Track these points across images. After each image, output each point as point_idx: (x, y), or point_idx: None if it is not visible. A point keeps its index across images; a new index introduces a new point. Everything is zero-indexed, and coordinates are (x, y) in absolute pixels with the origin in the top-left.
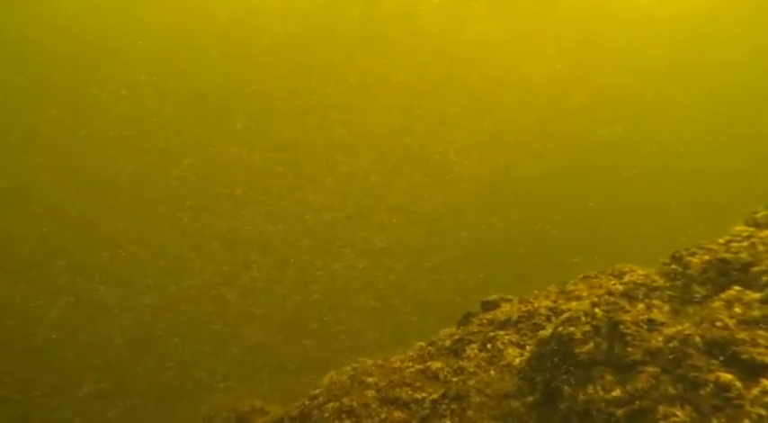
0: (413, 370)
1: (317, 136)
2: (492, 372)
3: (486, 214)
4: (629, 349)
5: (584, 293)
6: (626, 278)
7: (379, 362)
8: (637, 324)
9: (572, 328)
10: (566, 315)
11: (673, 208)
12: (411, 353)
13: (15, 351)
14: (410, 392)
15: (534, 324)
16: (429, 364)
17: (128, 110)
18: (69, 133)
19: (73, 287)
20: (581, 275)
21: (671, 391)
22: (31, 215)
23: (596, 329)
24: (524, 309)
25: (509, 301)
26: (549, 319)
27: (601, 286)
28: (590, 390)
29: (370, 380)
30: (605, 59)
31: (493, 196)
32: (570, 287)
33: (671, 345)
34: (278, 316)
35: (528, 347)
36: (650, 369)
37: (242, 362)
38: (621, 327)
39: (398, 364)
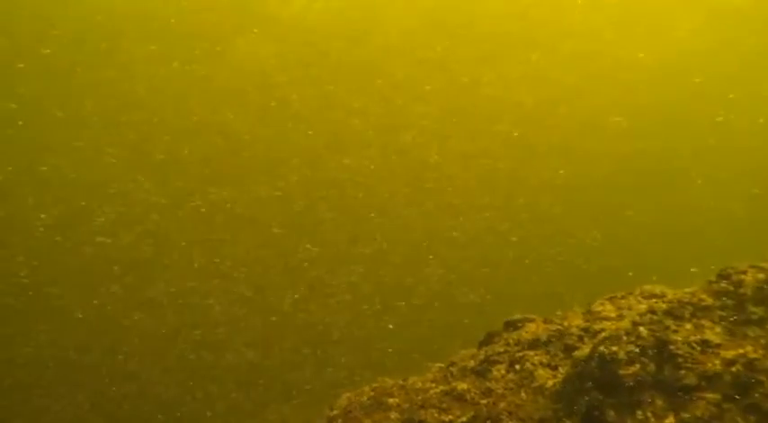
0: (437, 391)
1: None
2: (523, 394)
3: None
4: (682, 372)
5: (613, 314)
6: (669, 296)
7: (400, 382)
8: (689, 345)
9: (614, 348)
10: (604, 334)
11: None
12: (430, 374)
13: None
14: (436, 415)
15: (565, 344)
16: (454, 384)
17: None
18: None
19: None
20: (607, 296)
21: (740, 422)
22: None
23: (642, 350)
24: (553, 328)
25: (533, 320)
26: (581, 339)
27: (630, 307)
28: (639, 415)
29: (391, 401)
30: None
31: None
32: (597, 308)
33: (733, 369)
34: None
35: (561, 369)
36: (709, 395)
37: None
38: (671, 347)
39: (420, 384)
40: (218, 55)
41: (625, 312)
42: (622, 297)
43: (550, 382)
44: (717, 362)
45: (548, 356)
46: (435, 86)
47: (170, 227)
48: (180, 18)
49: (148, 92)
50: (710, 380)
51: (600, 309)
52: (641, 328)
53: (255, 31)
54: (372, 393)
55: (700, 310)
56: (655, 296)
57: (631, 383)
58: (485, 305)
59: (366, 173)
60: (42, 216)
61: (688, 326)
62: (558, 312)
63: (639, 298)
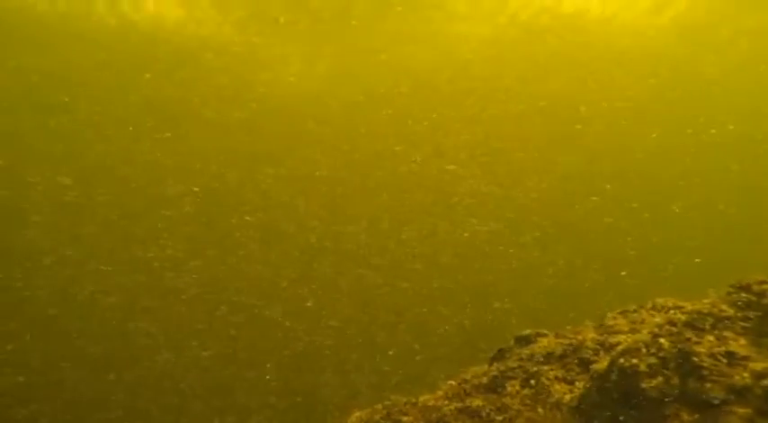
0: (451, 408)
1: None
2: (540, 409)
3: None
4: (708, 385)
5: (626, 328)
6: (688, 307)
7: (412, 400)
8: (713, 357)
9: (635, 360)
10: (623, 347)
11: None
12: (442, 391)
13: None
14: None
15: (581, 358)
16: (467, 402)
17: None
18: None
19: None
20: (619, 310)
21: None
22: None
23: (664, 362)
24: (566, 343)
25: (545, 335)
26: (597, 352)
27: (643, 321)
28: None
29: (405, 419)
30: None
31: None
32: (609, 322)
33: (764, 382)
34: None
35: (578, 383)
36: (739, 410)
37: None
38: (695, 359)
39: (433, 402)
40: None
41: (638, 326)
42: (634, 311)
43: (567, 397)
44: (746, 375)
45: (563, 371)
46: None
47: (188, 232)
48: None
49: None
50: (739, 393)
51: (612, 323)
52: (662, 340)
53: None
54: (385, 412)
55: (720, 321)
56: (668, 308)
57: (655, 396)
58: (493, 318)
59: (375, 182)
60: None
61: (710, 337)
62: (569, 327)
63: (652, 311)
